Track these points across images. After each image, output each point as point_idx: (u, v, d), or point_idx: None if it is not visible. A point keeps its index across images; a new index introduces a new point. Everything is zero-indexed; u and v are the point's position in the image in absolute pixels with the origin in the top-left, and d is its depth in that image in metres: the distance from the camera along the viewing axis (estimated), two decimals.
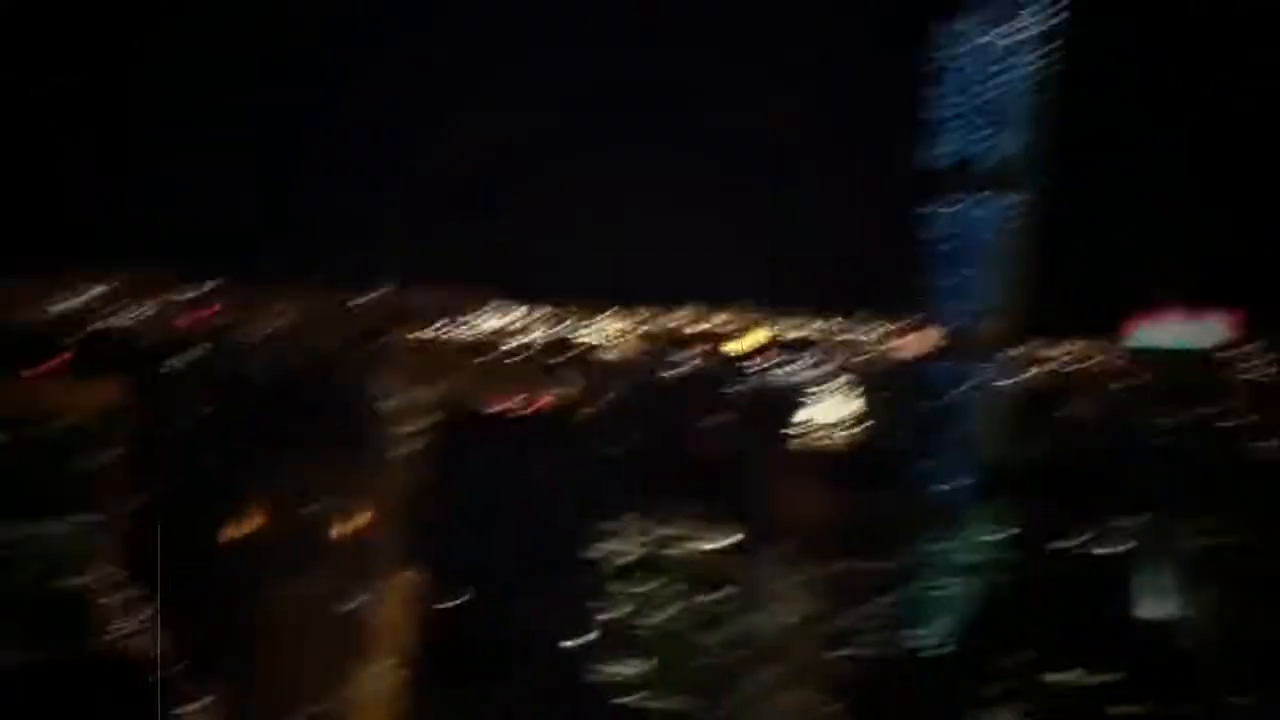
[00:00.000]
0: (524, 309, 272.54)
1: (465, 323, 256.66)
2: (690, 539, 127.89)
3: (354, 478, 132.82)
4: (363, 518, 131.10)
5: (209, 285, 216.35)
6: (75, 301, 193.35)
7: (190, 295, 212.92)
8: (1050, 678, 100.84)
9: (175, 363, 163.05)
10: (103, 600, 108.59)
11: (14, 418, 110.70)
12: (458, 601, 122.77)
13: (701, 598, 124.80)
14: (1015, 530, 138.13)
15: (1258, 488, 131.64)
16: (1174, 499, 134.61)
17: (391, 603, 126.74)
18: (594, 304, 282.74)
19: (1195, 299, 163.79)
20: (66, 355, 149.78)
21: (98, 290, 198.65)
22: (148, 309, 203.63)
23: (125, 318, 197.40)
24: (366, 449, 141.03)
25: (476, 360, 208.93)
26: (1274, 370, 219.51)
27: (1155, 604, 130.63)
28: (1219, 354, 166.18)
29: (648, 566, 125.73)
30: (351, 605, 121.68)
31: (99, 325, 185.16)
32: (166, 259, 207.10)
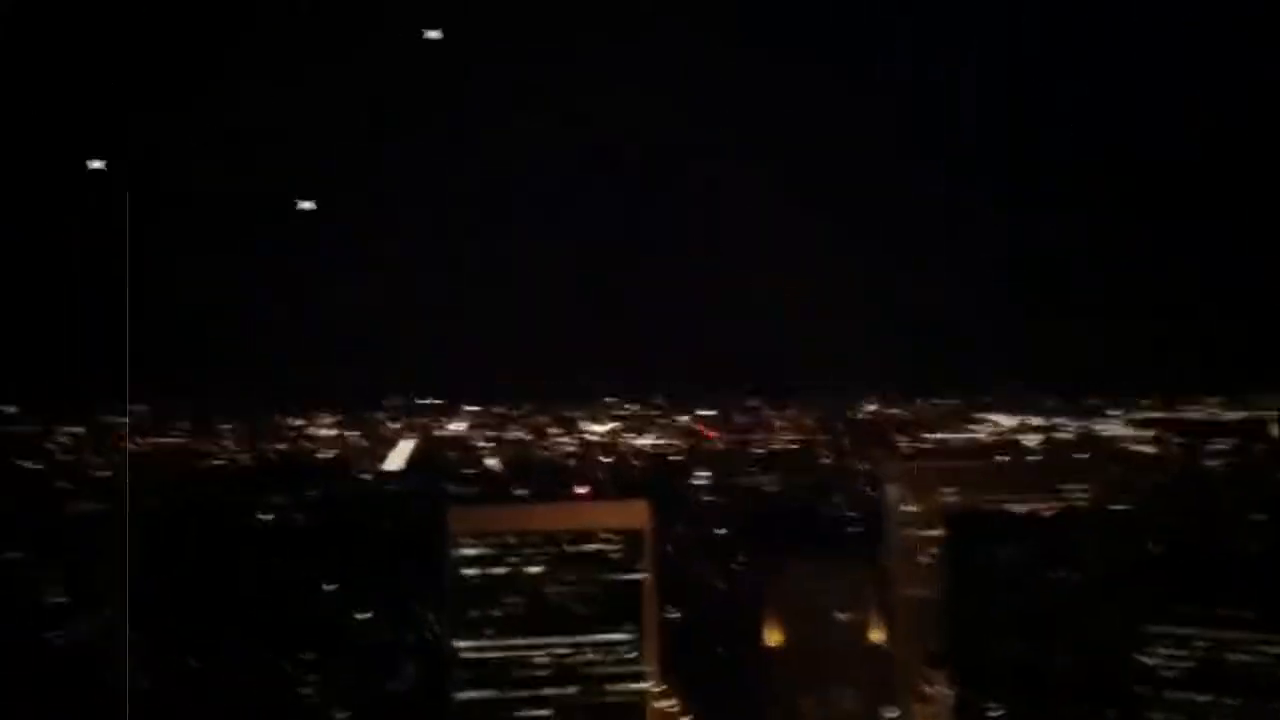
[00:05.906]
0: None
1: (965, 427, 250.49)
2: (1250, 644, 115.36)
3: (868, 586, 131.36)
4: (882, 626, 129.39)
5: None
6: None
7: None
8: None
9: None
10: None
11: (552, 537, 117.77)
12: (995, 714, 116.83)
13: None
14: None
15: None
16: None
17: (924, 715, 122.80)
18: (1104, 399, 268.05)
19: None
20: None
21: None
22: None
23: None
24: (881, 556, 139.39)
25: (984, 462, 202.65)
26: None
27: None
28: None
29: (1204, 675, 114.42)
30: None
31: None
32: None
